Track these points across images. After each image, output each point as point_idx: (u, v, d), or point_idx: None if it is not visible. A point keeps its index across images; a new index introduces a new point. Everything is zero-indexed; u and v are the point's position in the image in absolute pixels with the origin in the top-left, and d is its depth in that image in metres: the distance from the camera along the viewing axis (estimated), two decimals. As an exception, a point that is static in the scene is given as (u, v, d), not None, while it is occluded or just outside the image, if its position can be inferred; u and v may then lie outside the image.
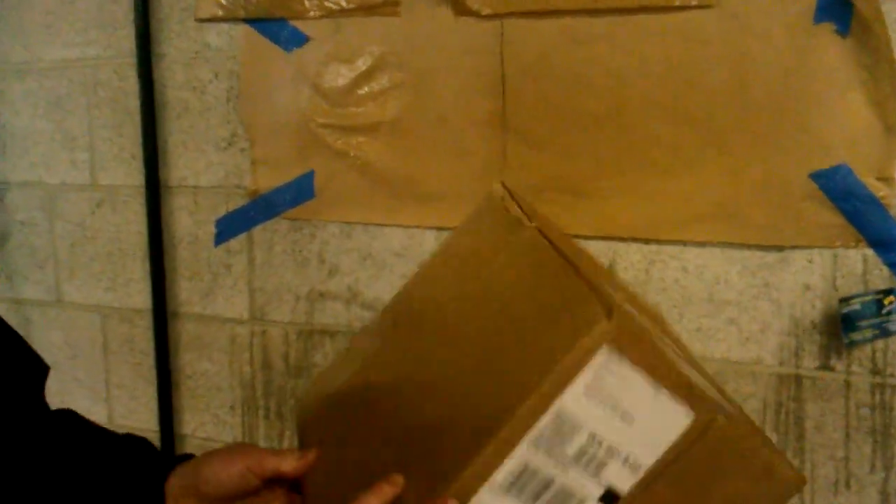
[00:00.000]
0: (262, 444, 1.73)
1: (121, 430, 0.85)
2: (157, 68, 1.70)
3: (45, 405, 0.84)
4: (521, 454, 0.62)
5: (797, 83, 1.25)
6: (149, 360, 1.81)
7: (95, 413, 1.88)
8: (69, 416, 0.84)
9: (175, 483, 0.74)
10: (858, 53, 1.22)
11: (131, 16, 1.68)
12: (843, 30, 1.22)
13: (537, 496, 0.63)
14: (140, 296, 1.81)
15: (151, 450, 0.82)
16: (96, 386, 1.90)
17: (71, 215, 1.85)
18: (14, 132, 1.87)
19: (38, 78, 1.82)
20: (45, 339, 1.90)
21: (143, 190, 1.72)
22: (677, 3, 1.30)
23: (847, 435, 1.31)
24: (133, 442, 0.82)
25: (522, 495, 0.63)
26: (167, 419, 1.79)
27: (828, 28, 1.23)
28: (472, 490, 0.61)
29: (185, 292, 1.76)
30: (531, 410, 0.60)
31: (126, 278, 1.82)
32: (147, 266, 1.75)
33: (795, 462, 1.35)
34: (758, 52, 1.27)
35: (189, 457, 0.78)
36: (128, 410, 1.87)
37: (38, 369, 0.84)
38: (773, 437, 1.36)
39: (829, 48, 1.23)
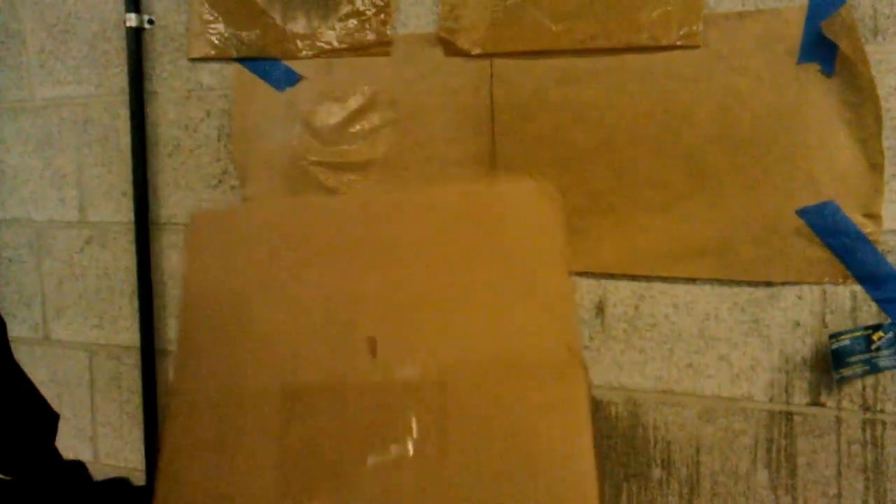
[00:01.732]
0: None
1: (106, 470, 0.84)
2: (149, 106, 1.70)
3: (58, 454, 0.84)
4: None
5: (783, 121, 1.27)
6: (136, 398, 1.79)
7: (81, 451, 1.85)
8: (80, 468, 0.85)
9: None
10: (843, 93, 1.24)
11: (124, 55, 1.69)
12: (828, 70, 1.24)
13: None
14: (128, 333, 1.80)
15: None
16: (82, 424, 1.87)
17: (59, 252, 1.84)
18: (4, 169, 1.87)
19: (29, 116, 1.83)
20: (31, 377, 1.87)
21: (132, 227, 1.72)
22: (664, 43, 1.32)
23: (839, 472, 1.31)
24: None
25: None
26: (153, 459, 1.76)
27: (813, 68, 1.25)
28: None
29: (174, 330, 1.75)
30: None
31: (114, 315, 1.81)
32: (135, 303, 1.74)
33: (787, 499, 1.34)
34: (744, 91, 1.29)
35: None
36: (114, 449, 1.85)
37: (50, 418, 0.85)
38: (765, 474, 1.35)
39: (815, 87, 1.25)
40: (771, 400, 1.34)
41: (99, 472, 0.90)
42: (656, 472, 1.42)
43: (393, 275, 0.62)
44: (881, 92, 1.22)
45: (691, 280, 1.36)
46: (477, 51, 1.43)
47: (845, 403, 1.30)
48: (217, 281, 0.65)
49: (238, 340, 0.63)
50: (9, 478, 0.76)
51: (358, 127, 1.54)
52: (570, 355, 0.61)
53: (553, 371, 0.60)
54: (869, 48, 1.22)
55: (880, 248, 1.25)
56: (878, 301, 1.26)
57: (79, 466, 0.85)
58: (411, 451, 0.56)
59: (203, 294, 0.65)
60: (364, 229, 0.64)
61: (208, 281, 0.66)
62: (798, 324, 1.31)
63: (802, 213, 1.28)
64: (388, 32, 1.50)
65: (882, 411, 1.28)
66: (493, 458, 0.56)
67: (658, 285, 1.38)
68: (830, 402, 1.31)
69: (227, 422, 0.60)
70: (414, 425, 0.56)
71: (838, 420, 1.30)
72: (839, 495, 1.32)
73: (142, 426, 1.76)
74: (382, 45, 1.51)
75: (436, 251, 0.63)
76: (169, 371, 1.74)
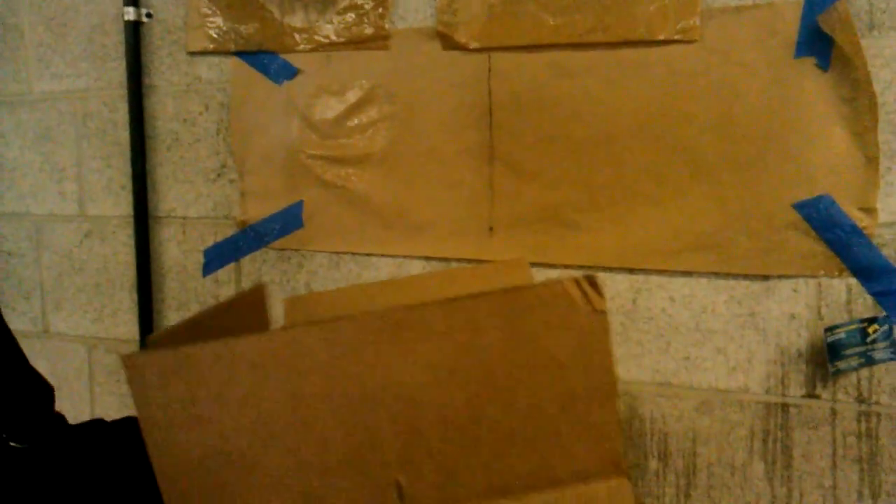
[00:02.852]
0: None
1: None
2: (148, 100, 1.71)
3: (64, 420, 0.88)
4: None
5: (780, 115, 1.28)
6: (135, 392, 1.80)
7: (80, 445, 1.86)
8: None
9: None
10: (839, 87, 1.24)
11: (122, 48, 1.70)
12: (824, 64, 1.25)
13: None
14: (127, 326, 1.80)
15: None
16: (81, 416, 1.87)
17: (58, 246, 1.85)
18: (3, 163, 1.87)
19: (28, 109, 1.83)
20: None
21: (131, 220, 1.73)
22: (661, 38, 1.33)
23: (834, 463, 1.32)
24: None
25: None
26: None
27: (809, 62, 1.26)
28: None
29: (173, 323, 1.76)
30: None
31: (113, 309, 1.81)
32: (134, 296, 1.75)
33: (783, 490, 1.35)
34: (741, 85, 1.30)
35: None
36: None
37: (47, 389, 0.88)
38: (761, 466, 1.36)
39: (811, 81, 1.26)
40: (767, 392, 1.35)
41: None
42: (653, 464, 1.43)
43: (415, 407, 0.59)
44: (877, 86, 1.22)
45: (688, 273, 1.37)
46: (475, 45, 1.44)
47: (840, 395, 1.31)
48: (189, 441, 0.61)
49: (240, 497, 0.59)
50: (22, 446, 0.78)
51: (356, 121, 1.55)
52: (616, 471, 0.58)
53: (600, 492, 0.58)
54: (865, 42, 1.22)
55: (875, 241, 1.25)
56: (873, 294, 1.27)
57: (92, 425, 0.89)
58: None
59: (178, 459, 0.60)
60: (372, 358, 0.60)
61: (176, 442, 0.61)
62: (794, 317, 1.32)
63: (798, 206, 1.28)
64: (386, 26, 1.50)
65: (877, 403, 1.29)
66: None
67: (655, 279, 1.39)
68: (826, 394, 1.32)
69: None
70: None
71: (833, 412, 1.31)
72: (834, 486, 1.33)
73: (141, 419, 1.77)
74: (380, 39, 1.51)
75: (460, 368, 0.59)
76: None
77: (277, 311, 1.43)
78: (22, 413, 0.82)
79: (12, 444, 0.77)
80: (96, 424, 0.89)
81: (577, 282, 0.67)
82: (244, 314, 1.09)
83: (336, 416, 0.59)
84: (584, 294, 0.68)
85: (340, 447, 0.59)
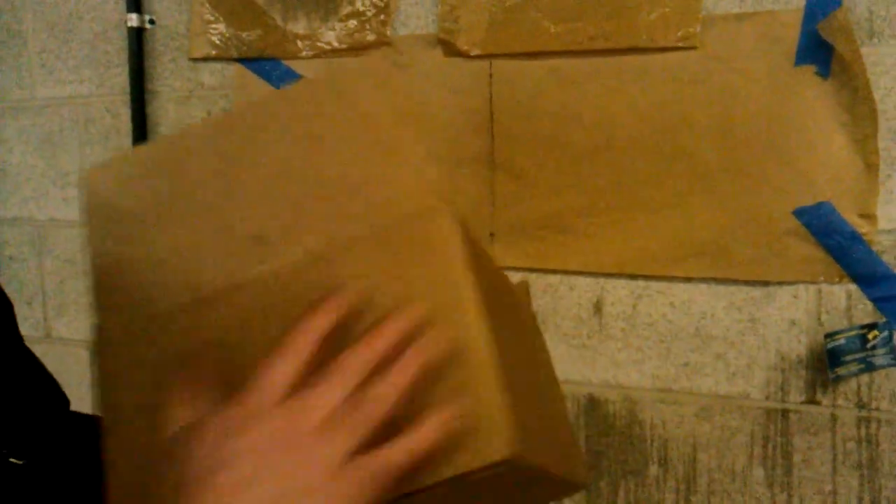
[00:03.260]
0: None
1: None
2: (150, 106, 1.71)
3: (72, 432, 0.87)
4: None
5: (780, 122, 1.28)
6: (137, 397, 1.80)
7: (82, 450, 1.86)
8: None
9: None
10: (839, 94, 1.25)
11: (125, 54, 1.70)
12: (824, 72, 1.25)
13: None
14: (129, 332, 1.80)
15: None
16: (83, 423, 1.89)
17: (61, 251, 1.85)
18: (6, 168, 1.88)
19: (31, 115, 1.84)
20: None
21: (133, 226, 1.73)
22: (662, 45, 1.33)
23: (834, 469, 1.33)
24: None
25: None
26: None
27: (809, 70, 1.26)
28: None
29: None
30: None
31: (115, 314, 1.82)
32: (137, 302, 1.75)
33: (783, 496, 1.36)
34: (741, 92, 1.30)
35: None
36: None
37: (61, 401, 0.88)
38: (761, 472, 1.37)
39: (811, 89, 1.27)
40: (767, 398, 1.35)
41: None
42: (653, 470, 1.43)
43: (270, 175, 0.64)
44: (876, 93, 1.23)
45: (688, 279, 1.37)
46: (476, 51, 1.45)
47: (840, 401, 1.31)
48: (117, 219, 0.66)
49: (142, 269, 0.64)
50: (21, 462, 0.78)
51: (358, 127, 1.55)
52: (436, 200, 0.62)
53: (424, 217, 0.61)
54: (864, 50, 1.23)
55: (875, 247, 1.26)
56: (872, 300, 1.27)
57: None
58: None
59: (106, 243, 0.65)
60: (240, 143, 0.66)
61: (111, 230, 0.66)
62: (794, 323, 1.33)
63: (798, 213, 1.29)
64: (388, 33, 1.51)
65: (877, 409, 1.29)
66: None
67: (655, 284, 1.40)
68: (826, 400, 1.32)
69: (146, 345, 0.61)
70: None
71: (834, 418, 1.32)
72: (834, 492, 1.33)
73: (143, 424, 1.77)
74: (382, 46, 1.52)
75: (303, 141, 0.64)
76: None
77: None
78: (26, 427, 0.81)
79: (12, 460, 0.77)
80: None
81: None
82: None
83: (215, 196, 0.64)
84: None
85: (213, 220, 0.64)
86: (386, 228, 0.61)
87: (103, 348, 0.63)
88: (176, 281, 0.63)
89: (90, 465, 0.82)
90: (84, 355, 1.86)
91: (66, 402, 0.89)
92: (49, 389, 0.89)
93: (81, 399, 1.90)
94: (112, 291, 0.66)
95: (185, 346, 0.60)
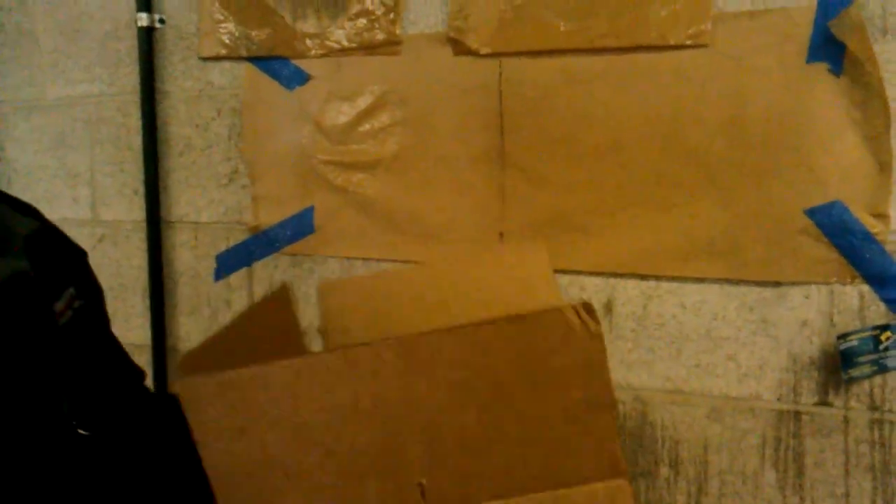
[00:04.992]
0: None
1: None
2: (160, 105, 1.72)
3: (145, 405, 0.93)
4: None
5: (792, 120, 1.27)
6: (147, 396, 1.81)
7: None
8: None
9: None
10: (851, 92, 1.24)
11: (135, 54, 1.71)
12: (836, 69, 1.24)
13: None
14: (140, 331, 1.81)
15: None
16: (94, 421, 1.89)
17: (72, 250, 1.86)
18: (18, 167, 1.89)
19: (42, 114, 1.85)
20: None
21: (144, 225, 1.73)
22: (672, 43, 1.32)
23: (847, 471, 1.31)
24: None
25: None
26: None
27: (821, 67, 1.25)
28: None
29: (185, 327, 1.77)
30: None
31: (126, 313, 1.82)
32: (147, 301, 1.76)
33: (795, 499, 1.34)
34: (753, 90, 1.29)
35: None
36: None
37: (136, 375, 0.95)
38: (773, 474, 1.35)
39: (823, 87, 1.25)
40: (779, 399, 1.34)
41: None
42: (664, 471, 1.42)
43: (436, 420, 0.66)
44: (889, 91, 1.22)
45: (700, 280, 1.36)
46: (486, 50, 1.44)
47: (853, 403, 1.30)
48: (236, 451, 0.71)
49: None
50: (87, 433, 0.81)
51: (367, 126, 1.55)
52: (615, 473, 0.66)
53: (600, 491, 0.64)
54: (877, 47, 1.21)
55: (888, 247, 1.24)
56: (885, 301, 1.26)
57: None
58: None
59: (228, 467, 0.70)
60: (394, 382, 0.68)
61: (226, 452, 0.71)
62: (806, 324, 1.31)
63: (810, 212, 1.27)
64: (398, 32, 1.51)
65: (890, 411, 1.28)
66: None
67: (666, 285, 1.39)
68: (838, 402, 1.31)
69: None
70: None
71: (846, 420, 1.30)
72: (847, 494, 1.32)
73: (153, 423, 1.78)
74: (391, 45, 1.51)
75: (479, 396, 0.66)
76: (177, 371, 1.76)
77: (300, 308, 1.54)
78: (99, 402, 0.86)
79: (80, 431, 0.81)
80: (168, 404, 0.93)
81: (574, 309, 0.75)
82: (272, 314, 1.30)
83: (364, 426, 0.68)
84: (582, 320, 0.75)
85: (369, 453, 0.66)
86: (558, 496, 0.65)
87: None
88: None
89: (157, 439, 0.86)
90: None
91: (142, 374, 0.95)
92: (126, 368, 0.94)
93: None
94: None
95: None
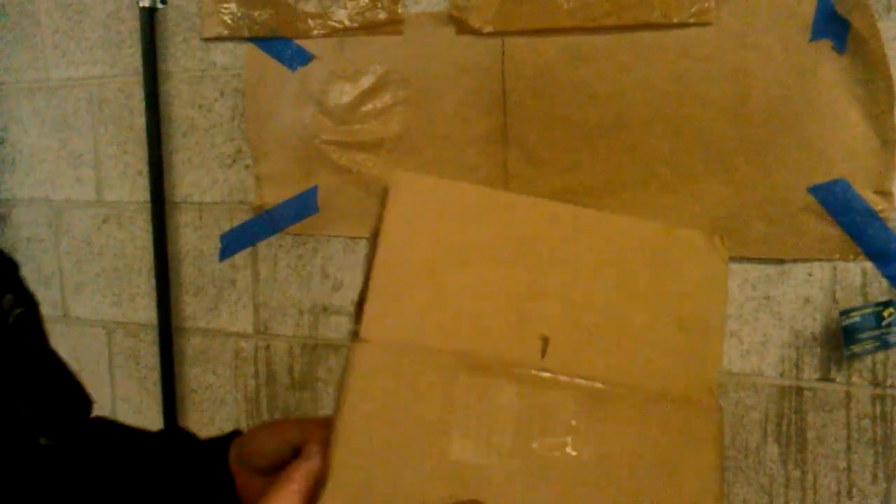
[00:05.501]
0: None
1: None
2: (163, 86, 1.72)
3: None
4: None
5: (796, 98, 1.27)
6: (154, 375, 1.82)
7: (101, 428, 1.89)
8: (110, 424, 0.89)
9: (232, 458, 0.77)
10: (855, 69, 1.24)
11: (137, 35, 1.70)
12: (840, 46, 1.24)
13: None
14: (145, 311, 1.82)
15: (195, 439, 0.86)
16: (102, 400, 1.90)
17: (77, 232, 1.87)
18: (22, 149, 1.89)
19: (45, 96, 1.85)
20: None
21: (148, 206, 1.74)
22: (676, 21, 1.32)
23: (849, 446, 1.32)
24: (179, 432, 0.88)
25: None
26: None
27: (825, 45, 1.25)
28: None
29: (190, 307, 1.78)
30: None
31: (131, 293, 1.83)
32: (152, 281, 1.77)
33: (797, 473, 1.36)
34: (757, 68, 1.29)
35: (238, 433, 0.80)
36: (133, 424, 1.88)
37: (83, 403, 0.90)
38: (775, 449, 1.37)
39: (827, 64, 1.25)
40: (781, 375, 1.35)
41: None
42: (667, 447, 1.43)
43: (572, 288, 0.66)
44: (893, 68, 1.22)
45: (702, 257, 1.37)
46: (489, 29, 1.44)
47: (855, 379, 1.31)
48: (412, 243, 0.67)
49: (426, 299, 0.65)
50: (51, 442, 0.79)
51: (370, 106, 1.55)
52: (710, 397, 0.67)
53: (697, 409, 0.66)
54: (882, 24, 1.21)
55: (891, 224, 1.25)
56: (888, 277, 1.27)
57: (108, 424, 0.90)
58: (571, 451, 0.60)
59: (399, 250, 0.67)
60: (553, 239, 0.68)
61: (403, 241, 0.68)
62: (808, 300, 1.32)
63: (814, 190, 1.28)
64: (400, 11, 1.50)
65: (892, 387, 1.29)
66: (639, 475, 0.61)
67: (669, 262, 1.39)
68: (840, 378, 1.32)
69: (403, 377, 0.63)
70: (574, 423, 0.60)
71: (848, 395, 1.32)
72: (849, 469, 1.33)
73: (160, 402, 1.79)
74: (394, 24, 1.51)
75: (614, 277, 0.67)
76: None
77: (305, 287, 1.47)
78: (56, 414, 0.83)
79: (43, 440, 0.78)
80: (137, 436, 0.90)
81: (706, 234, 0.75)
82: None
83: (517, 268, 0.67)
84: (713, 244, 0.75)
85: (520, 293, 0.66)
86: (660, 397, 0.66)
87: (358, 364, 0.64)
88: (452, 330, 0.64)
89: (106, 462, 0.83)
90: (101, 334, 1.88)
91: (90, 403, 0.92)
92: (72, 390, 0.91)
93: (100, 377, 1.92)
94: (389, 302, 0.66)
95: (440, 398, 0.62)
